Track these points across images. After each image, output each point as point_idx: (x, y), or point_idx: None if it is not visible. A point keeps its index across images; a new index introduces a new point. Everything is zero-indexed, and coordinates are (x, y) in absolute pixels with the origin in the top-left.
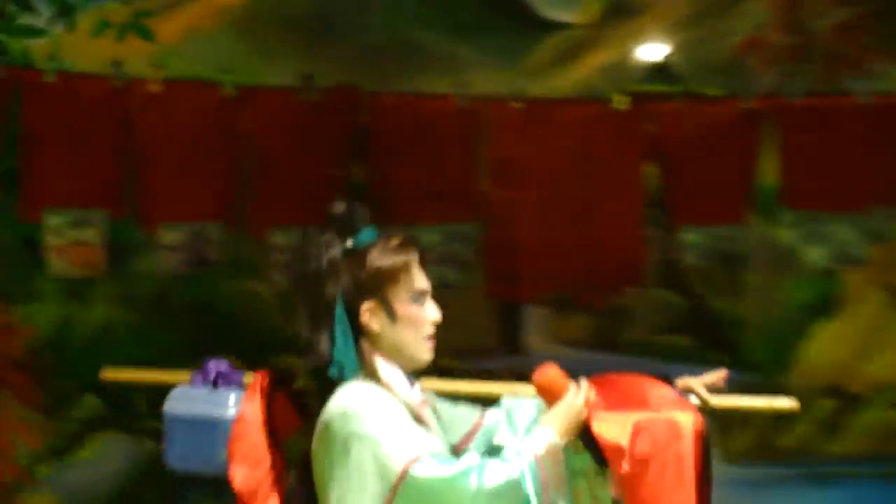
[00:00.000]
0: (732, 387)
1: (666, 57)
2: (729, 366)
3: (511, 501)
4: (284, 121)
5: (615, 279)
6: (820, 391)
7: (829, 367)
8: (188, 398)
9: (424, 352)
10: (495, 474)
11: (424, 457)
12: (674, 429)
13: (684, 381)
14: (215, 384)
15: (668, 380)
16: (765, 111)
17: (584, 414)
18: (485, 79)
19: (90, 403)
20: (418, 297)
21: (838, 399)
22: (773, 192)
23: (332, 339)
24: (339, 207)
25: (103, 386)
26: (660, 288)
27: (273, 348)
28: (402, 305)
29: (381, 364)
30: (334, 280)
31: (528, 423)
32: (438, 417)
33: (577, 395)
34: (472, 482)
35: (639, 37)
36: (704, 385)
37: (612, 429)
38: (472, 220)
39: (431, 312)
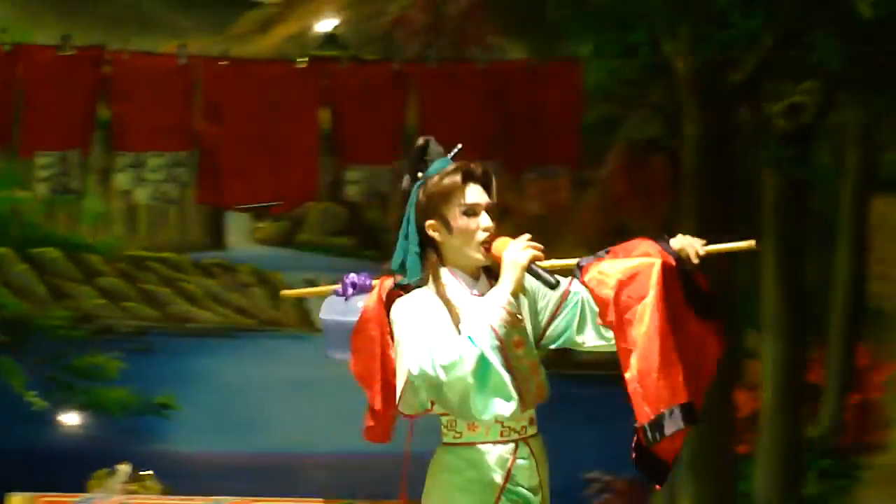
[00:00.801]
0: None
1: (336, 29)
2: (379, 260)
3: (476, 370)
4: (49, 71)
5: (296, 195)
6: None
7: None
8: (331, 306)
9: (478, 255)
10: (452, 354)
11: (424, 356)
12: (646, 270)
13: (676, 239)
14: (349, 293)
15: (665, 239)
16: (410, 73)
17: (523, 257)
18: (200, 43)
19: None
20: (469, 211)
21: None
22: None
23: (405, 253)
24: (418, 144)
25: None
26: (329, 201)
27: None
28: (455, 219)
29: (444, 272)
30: (406, 206)
31: None
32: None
33: (512, 248)
34: (431, 368)
35: (316, 14)
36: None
37: (603, 289)
38: (188, 149)
39: (482, 222)
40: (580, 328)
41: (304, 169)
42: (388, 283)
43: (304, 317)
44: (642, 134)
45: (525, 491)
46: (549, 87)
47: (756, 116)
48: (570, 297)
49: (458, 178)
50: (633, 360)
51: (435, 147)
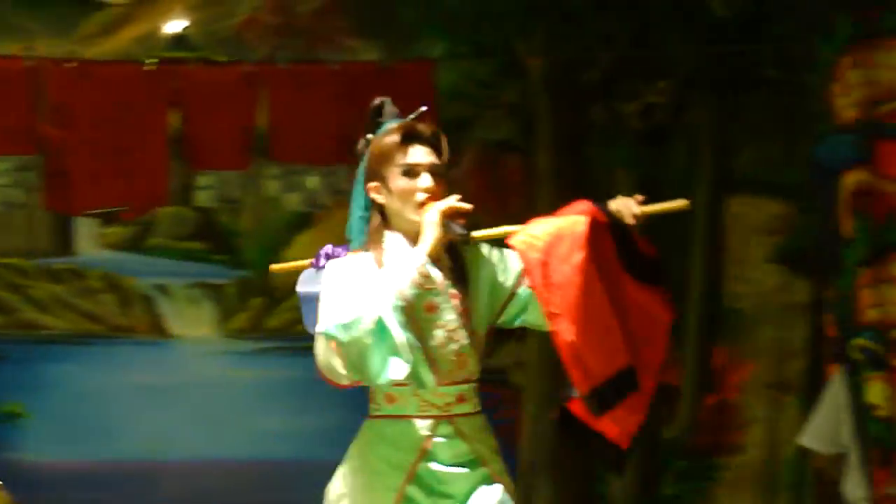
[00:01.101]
0: (232, 282)
1: (185, 30)
2: (230, 265)
3: (373, 330)
4: None
5: (145, 199)
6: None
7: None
8: (306, 279)
9: (417, 217)
10: (353, 323)
11: (329, 316)
12: (575, 228)
13: (613, 200)
14: (321, 265)
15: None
16: (259, 75)
17: (435, 214)
18: (47, 44)
19: None
20: (408, 171)
21: None
22: (262, 144)
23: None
24: (373, 105)
25: None
26: (179, 206)
27: None
28: (394, 180)
29: (386, 235)
30: (359, 166)
31: None
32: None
33: (432, 208)
34: (333, 328)
35: (165, 15)
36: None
37: (532, 252)
38: (35, 153)
39: (421, 183)
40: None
41: (153, 173)
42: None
43: (155, 323)
44: (496, 135)
45: (445, 469)
46: (401, 87)
47: (610, 116)
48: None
49: (397, 137)
50: (564, 325)
51: (390, 108)
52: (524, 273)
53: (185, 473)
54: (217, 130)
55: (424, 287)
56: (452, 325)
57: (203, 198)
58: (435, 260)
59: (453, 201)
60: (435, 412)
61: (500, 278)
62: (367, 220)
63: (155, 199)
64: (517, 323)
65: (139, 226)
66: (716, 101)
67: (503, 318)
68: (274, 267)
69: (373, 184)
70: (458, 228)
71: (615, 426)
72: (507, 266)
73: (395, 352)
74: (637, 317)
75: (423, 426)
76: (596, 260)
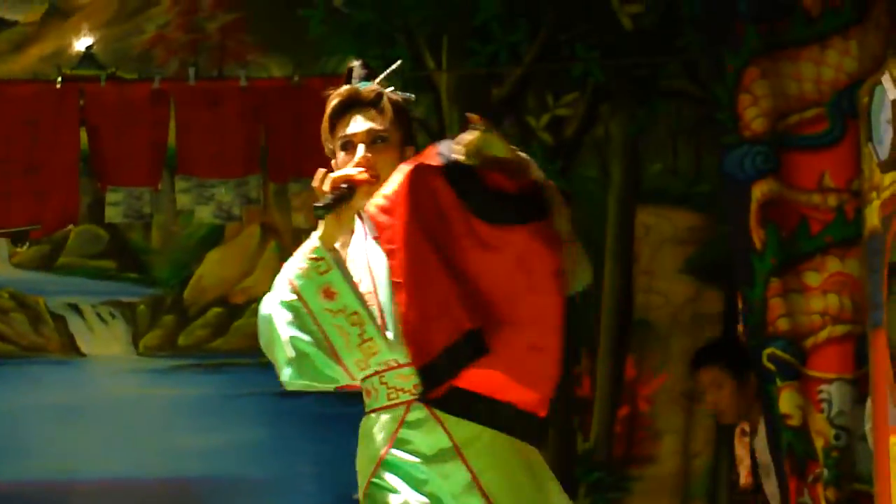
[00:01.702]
0: (143, 300)
1: (93, 48)
2: (141, 283)
3: (265, 331)
4: None
5: (55, 218)
6: (211, 302)
7: (217, 283)
8: None
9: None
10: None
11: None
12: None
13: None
14: None
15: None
16: (169, 91)
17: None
18: None
19: None
20: (345, 144)
21: (224, 307)
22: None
23: None
24: (347, 68)
25: None
26: (90, 223)
27: None
28: (337, 154)
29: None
30: None
31: None
32: None
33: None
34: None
35: (73, 32)
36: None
37: (380, 217)
38: None
39: (357, 155)
40: None
41: (63, 191)
42: None
43: (68, 342)
44: None
45: (415, 459)
46: (311, 103)
47: (520, 130)
48: None
49: (334, 105)
50: (401, 295)
51: (359, 70)
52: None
53: (97, 493)
54: (127, 147)
55: (317, 273)
56: (353, 309)
57: (113, 213)
58: (332, 240)
59: (349, 171)
60: (405, 397)
61: None
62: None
63: (66, 217)
64: None
65: (49, 245)
66: (625, 114)
67: None
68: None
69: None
70: (329, 197)
71: (527, 393)
72: None
73: (281, 351)
74: (502, 265)
75: (392, 415)
76: (417, 210)
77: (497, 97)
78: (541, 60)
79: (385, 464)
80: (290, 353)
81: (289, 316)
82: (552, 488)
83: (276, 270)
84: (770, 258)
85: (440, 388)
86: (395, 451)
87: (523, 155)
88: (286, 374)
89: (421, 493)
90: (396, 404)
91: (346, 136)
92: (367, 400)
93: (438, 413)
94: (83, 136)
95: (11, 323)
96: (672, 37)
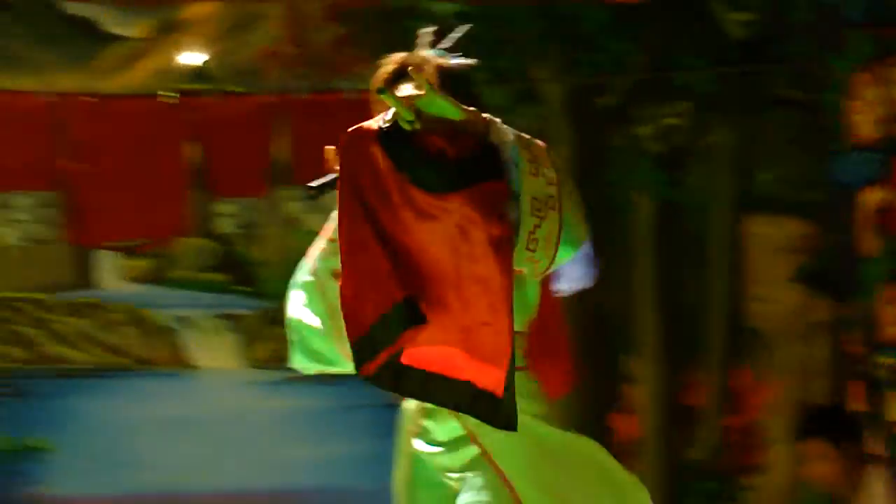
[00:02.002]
0: (253, 312)
1: (203, 63)
2: (252, 295)
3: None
4: None
5: (166, 231)
6: None
7: None
8: None
9: None
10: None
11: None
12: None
13: None
14: None
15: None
16: (277, 105)
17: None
18: (65, 79)
19: None
20: None
21: None
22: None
23: None
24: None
25: None
26: (201, 237)
27: None
28: None
29: None
30: None
31: None
32: None
33: None
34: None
35: (183, 47)
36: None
37: None
38: (55, 188)
39: None
40: None
41: (172, 204)
42: None
43: (178, 355)
44: None
45: (436, 449)
46: None
47: (628, 140)
48: None
49: (383, 75)
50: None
51: (426, 38)
52: None
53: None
54: (236, 160)
55: (336, 255)
56: None
57: (224, 225)
58: None
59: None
60: None
61: None
62: None
63: (174, 229)
64: None
65: (161, 258)
66: (734, 123)
67: None
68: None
69: None
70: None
71: (484, 370)
72: None
73: (301, 336)
74: (442, 235)
75: (413, 405)
76: (359, 182)
77: (603, 107)
78: (648, 70)
79: (414, 458)
80: (296, 335)
81: (304, 297)
82: (590, 476)
83: None
84: (881, 265)
85: (373, 363)
86: (417, 444)
87: (475, 113)
88: (296, 358)
89: (446, 481)
90: None
91: None
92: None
93: None
94: (194, 149)
95: (124, 336)
96: (780, 44)
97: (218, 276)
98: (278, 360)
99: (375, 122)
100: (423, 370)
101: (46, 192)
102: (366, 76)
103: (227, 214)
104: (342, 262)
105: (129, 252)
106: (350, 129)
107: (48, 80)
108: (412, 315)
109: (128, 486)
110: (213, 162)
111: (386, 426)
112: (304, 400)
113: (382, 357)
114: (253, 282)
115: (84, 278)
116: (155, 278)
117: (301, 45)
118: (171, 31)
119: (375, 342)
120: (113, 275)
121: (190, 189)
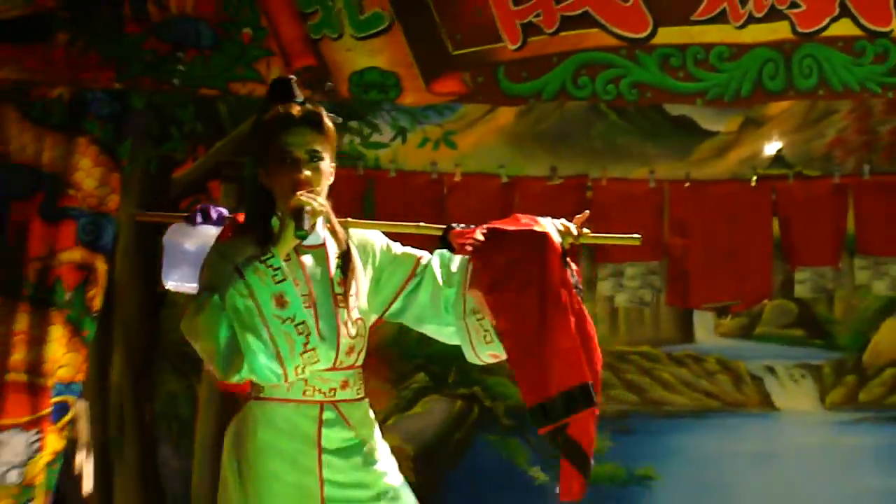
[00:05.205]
0: (828, 362)
1: (782, 151)
2: (826, 347)
3: (212, 336)
4: (539, 198)
5: (752, 294)
6: (887, 363)
7: (894, 347)
8: (177, 231)
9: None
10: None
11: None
12: (535, 239)
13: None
14: (195, 221)
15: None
16: (847, 185)
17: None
18: (666, 168)
19: (420, 377)
20: (283, 157)
21: None
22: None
23: None
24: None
25: (427, 366)
26: (781, 299)
27: None
28: (270, 162)
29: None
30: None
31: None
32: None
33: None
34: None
35: (765, 138)
36: (574, 222)
37: (488, 254)
38: (659, 259)
39: (296, 172)
40: (422, 312)
41: (759, 272)
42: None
43: (765, 399)
44: None
45: (340, 460)
46: None
47: None
48: (416, 275)
49: (277, 117)
50: (511, 340)
51: (295, 88)
52: (474, 278)
53: None
54: (812, 233)
55: (274, 281)
56: (301, 319)
57: (801, 290)
58: (285, 253)
59: (312, 199)
60: (319, 397)
61: (389, 274)
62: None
63: (761, 294)
64: (401, 319)
65: (747, 317)
66: None
67: (389, 312)
68: (139, 214)
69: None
70: (304, 218)
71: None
72: (398, 264)
73: (219, 350)
74: (581, 327)
75: (309, 410)
76: (554, 273)
77: None
78: None
79: (326, 465)
80: (232, 349)
81: (242, 314)
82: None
83: None
84: None
85: (549, 426)
86: (326, 456)
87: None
88: (221, 369)
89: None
90: (310, 402)
91: (284, 150)
92: (269, 387)
93: (348, 416)
94: (775, 225)
95: (717, 383)
96: None
97: (797, 332)
98: (849, 402)
99: (553, 234)
100: (579, 444)
101: (653, 262)
102: None
103: (804, 280)
104: (544, 331)
105: (722, 312)
106: (548, 234)
107: (654, 169)
108: (590, 398)
109: None
110: (792, 235)
111: None
112: (872, 437)
113: (559, 423)
114: (826, 336)
115: (684, 334)
116: (743, 334)
117: (866, 134)
118: (755, 126)
119: (552, 414)
120: (707, 331)
121: (774, 259)
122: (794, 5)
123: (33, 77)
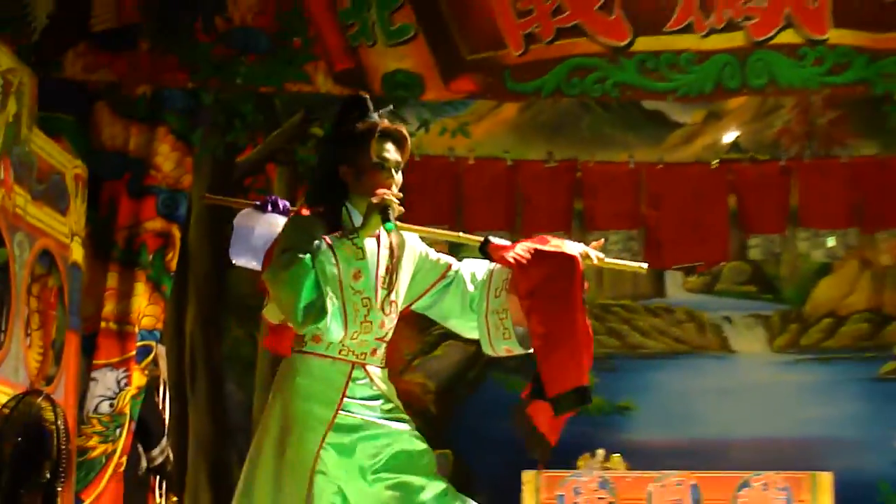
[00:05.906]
0: (775, 313)
1: (738, 138)
2: (773, 301)
3: (299, 290)
4: (538, 178)
5: (714, 257)
6: (824, 314)
7: (828, 301)
8: (247, 216)
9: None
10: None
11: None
12: (568, 261)
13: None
14: (266, 209)
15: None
16: (791, 168)
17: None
18: (643, 152)
19: (440, 326)
20: (378, 165)
21: (833, 317)
22: (794, 215)
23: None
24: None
25: None
26: (738, 261)
27: None
28: (367, 167)
29: (350, 209)
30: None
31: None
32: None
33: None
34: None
35: (724, 129)
36: (592, 247)
37: (529, 267)
38: (637, 227)
39: (390, 179)
40: (449, 309)
41: (719, 238)
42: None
43: (723, 343)
44: None
45: (360, 402)
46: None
47: None
48: (446, 278)
49: (381, 129)
50: (549, 339)
51: (383, 109)
52: (516, 280)
53: (746, 447)
54: (762, 207)
55: (356, 258)
56: (368, 294)
57: (754, 253)
58: (369, 238)
59: (394, 200)
60: (352, 358)
61: (420, 274)
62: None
63: (721, 256)
64: (427, 312)
65: (710, 275)
66: None
67: (417, 305)
68: (208, 198)
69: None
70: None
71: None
72: (432, 267)
73: (309, 304)
74: (587, 339)
75: (342, 367)
76: (579, 291)
77: None
78: None
79: (343, 406)
80: (315, 303)
81: (328, 278)
82: None
83: (870, 292)
84: None
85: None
86: (348, 398)
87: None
88: (306, 319)
89: (373, 419)
90: (344, 360)
91: (382, 159)
92: (311, 342)
93: (375, 378)
94: (732, 200)
95: (685, 330)
96: None
97: (750, 288)
98: (792, 346)
99: (576, 256)
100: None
101: (631, 230)
102: (852, 145)
103: (756, 245)
104: (567, 326)
105: (689, 271)
106: (578, 255)
107: (633, 154)
108: (585, 398)
109: (687, 434)
110: (746, 208)
111: (870, 393)
112: (811, 375)
113: (563, 418)
114: (774, 291)
115: (657, 289)
116: (706, 289)
117: (807, 125)
118: (716, 118)
119: (565, 405)
120: (677, 287)
121: (730, 228)
122: (747, 18)
123: (122, 78)
